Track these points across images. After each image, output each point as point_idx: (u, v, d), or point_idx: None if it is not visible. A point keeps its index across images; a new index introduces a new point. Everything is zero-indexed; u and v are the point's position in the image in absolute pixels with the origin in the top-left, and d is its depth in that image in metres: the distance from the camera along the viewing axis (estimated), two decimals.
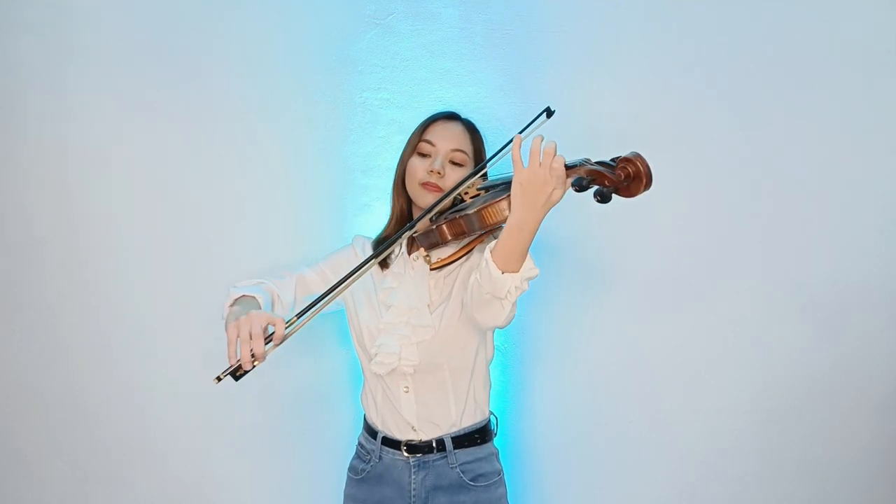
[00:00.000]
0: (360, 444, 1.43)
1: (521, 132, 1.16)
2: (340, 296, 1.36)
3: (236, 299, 1.27)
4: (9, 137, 1.69)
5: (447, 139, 1.35)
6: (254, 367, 1.07)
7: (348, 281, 1.16)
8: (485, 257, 1.10)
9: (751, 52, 1.59)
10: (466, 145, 1.37)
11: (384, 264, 1.38)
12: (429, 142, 1.35)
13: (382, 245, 1.21)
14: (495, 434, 1.42)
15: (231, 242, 1.70)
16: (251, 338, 1.07)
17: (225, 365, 1.69)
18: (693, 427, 1.69)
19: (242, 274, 1.66)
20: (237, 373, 1.07)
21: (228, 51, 1.64)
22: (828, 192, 1.61)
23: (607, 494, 1.73)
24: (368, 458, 1.38)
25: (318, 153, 1.67)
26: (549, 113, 1.24)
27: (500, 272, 1.08)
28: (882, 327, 1.63)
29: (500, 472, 1.38)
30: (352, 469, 1.43)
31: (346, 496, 1.42)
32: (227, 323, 1.14)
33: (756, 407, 1.67)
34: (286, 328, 1.10)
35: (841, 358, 1.64)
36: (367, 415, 1.42)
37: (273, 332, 1.09)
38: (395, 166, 1.41)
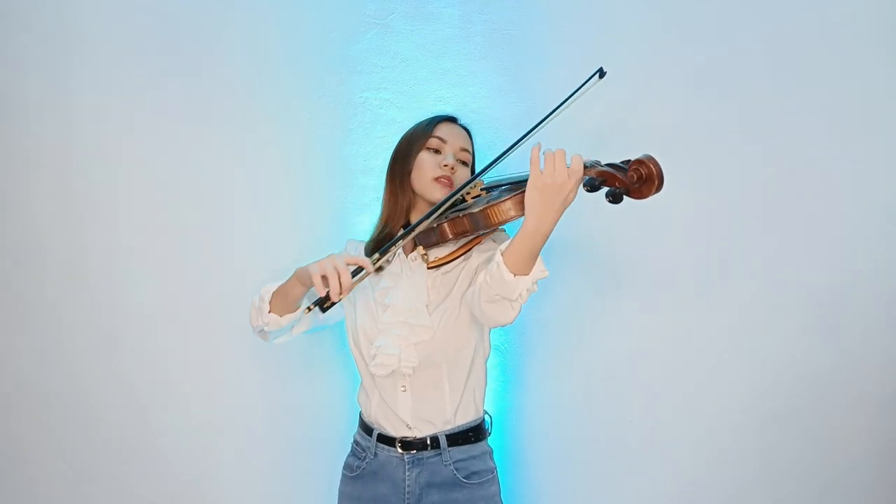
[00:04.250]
0: (355, 441, 1.43)
1: (572, 94, 1.16)
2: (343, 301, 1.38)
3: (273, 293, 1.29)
4: (11, 136, 1.70)
5: (456, 138, 1.39)
6: (340, 299, 1.13)
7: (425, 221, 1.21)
8: (496, 261, 1.11)
9: (751, 52, 1.58)
10: (470, 147, 1.43)
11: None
12: (440, 138, 1.38)
13: (430, 211, 1.22)
14: (489, 433, 1.42)
15: (231, 242, 1.70)
16: (339, 271, 1.11)
17: (230, 369, 1.72)
18: (692, 427, 1.68)
19: (242, 273, 1.68)
20: (325, 304, 1.14)
21: (229, 50, 1.65)
22: (828, 192, 1.60)
23: (606, 494, 1.72)
24: (363, 455, 1.38)
25: (318, 153, 1.67)
26: (601, 74, 1.20)
27: (513, 275, 1.10)
28: (882, 327, 1.62)
29: (493, 471, 1.38)
30: (347, 466, 1.43)
31: (342, 494, 1.42)
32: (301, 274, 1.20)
33: (756, 407, 1.66)
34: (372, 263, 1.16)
35: (841, 358, 1.64)
36: (362, 412, 1.42)
37: (356, 269, 1.15)
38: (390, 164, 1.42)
